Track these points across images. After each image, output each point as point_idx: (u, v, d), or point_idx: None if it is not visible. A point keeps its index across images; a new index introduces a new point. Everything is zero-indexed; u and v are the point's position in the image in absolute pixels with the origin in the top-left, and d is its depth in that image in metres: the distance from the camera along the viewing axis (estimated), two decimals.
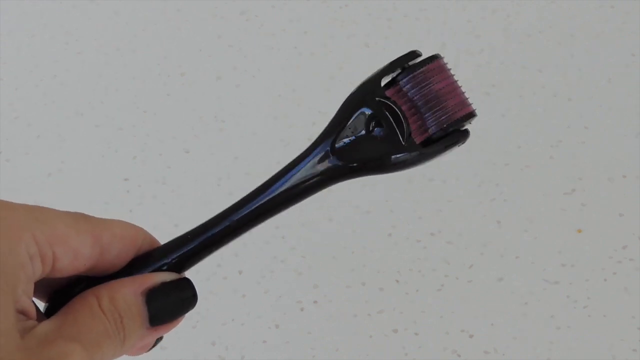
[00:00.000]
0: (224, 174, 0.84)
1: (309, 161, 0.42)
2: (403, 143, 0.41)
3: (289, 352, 0.72)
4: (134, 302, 0.38)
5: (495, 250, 0.77)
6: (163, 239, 0.43)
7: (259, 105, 0.90)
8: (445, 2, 0.97)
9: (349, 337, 0.72)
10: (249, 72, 0.93)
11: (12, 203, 0.36)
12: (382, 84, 0.42)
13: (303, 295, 0.75)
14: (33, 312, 0.36)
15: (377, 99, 0.41)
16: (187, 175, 0.84)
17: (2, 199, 0.37)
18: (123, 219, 0.41)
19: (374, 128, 0.41)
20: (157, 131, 0.88)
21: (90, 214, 0.39)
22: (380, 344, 0.72)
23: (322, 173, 0.42)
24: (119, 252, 0.39)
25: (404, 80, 0.41)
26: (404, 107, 0.41)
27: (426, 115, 0.41)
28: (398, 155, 0.41)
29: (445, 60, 0.42)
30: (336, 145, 0.42)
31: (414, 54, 0.41)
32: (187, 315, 0.41)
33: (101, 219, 0.39)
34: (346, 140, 0.42)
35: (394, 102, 0.41)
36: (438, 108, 0.41)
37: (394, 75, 0.42)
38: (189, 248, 0.41)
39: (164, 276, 0.40)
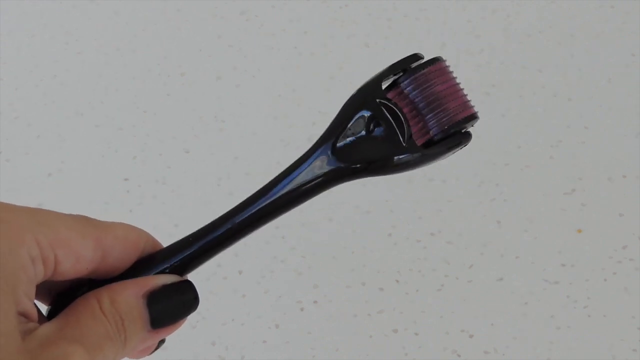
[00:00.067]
0: (224, 174, 0.84)
1: (310, 163, 0.42)
2: (404, 145, 0.41)
3: (289, 352, 0.72)
4: (135, 305, 0.38)
5: (495, 250, 0.77)
6: (163, 239, 0.43)
7: (259, 105, 0.90)
8: (445, 2, 0.97)
9: (349, 337, 0.72)
10: (249, 72, 0.93)
11: (14, 205, 0.36)
12: (384, 86, 0.42)
13: (303, 295, 0.75)
14: (35, 315, 0.36)
15: (378, 100, 0.41)
16: (187, 175, 0.84)
17: (2, 199, 0.37)
18: (123, 219, 0.41)
19: (375, 129, 0.41)
20: (157, 131, 0.88)
21: (91, 215, 0.39)
22: (380, 344, 0.72)
23: (324, 174, 0.42)
24: (122, 255, 0.39)
25: (406, 82, 0.41)
26: (405, 109, 0.41)
27: (428, 117, 0.41)
28: (401, 157, 0.41)
29: (447, 63, 0.42)
30: (338, 147, 0.42)
31: (415, 57, 0.41)
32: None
33: (104, 222, 0.39)
34: (348, 141, 0.42)
35: (395, 104, 0.41)
36: (439, 110, 0.41)
37: (395, 78, 0.42)
38: (191, 251, 0.41)
39: (165, 279, 0.40)
